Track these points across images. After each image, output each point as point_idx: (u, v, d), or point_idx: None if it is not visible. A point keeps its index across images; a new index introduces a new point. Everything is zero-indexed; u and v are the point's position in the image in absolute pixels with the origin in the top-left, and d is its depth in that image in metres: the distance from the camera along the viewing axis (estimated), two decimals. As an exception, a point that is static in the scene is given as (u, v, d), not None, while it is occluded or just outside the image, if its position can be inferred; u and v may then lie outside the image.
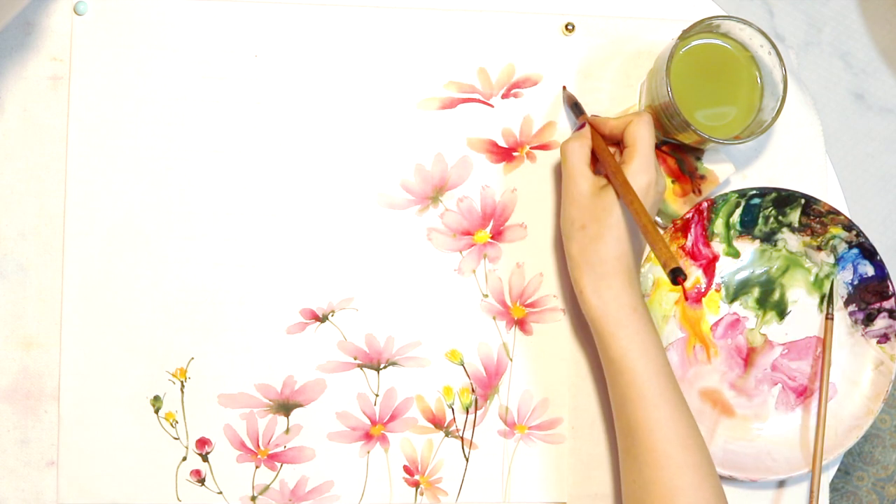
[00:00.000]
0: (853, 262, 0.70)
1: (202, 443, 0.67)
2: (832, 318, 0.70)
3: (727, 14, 0.68)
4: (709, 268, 0.70)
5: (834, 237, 0.69)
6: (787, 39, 0.78)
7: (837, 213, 0.69)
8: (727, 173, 0.69)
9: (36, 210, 0.67)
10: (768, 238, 0.70)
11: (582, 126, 0.66)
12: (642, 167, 0.62)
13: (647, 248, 0.68)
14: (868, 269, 0.70)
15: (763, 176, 0.71)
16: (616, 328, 0.61)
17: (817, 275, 0.71)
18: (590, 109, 0.70)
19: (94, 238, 0.67)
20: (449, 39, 0.70)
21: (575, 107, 0.69)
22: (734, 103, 0.67)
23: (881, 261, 0.69)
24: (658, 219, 0.69)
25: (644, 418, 0.59)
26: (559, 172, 0.69)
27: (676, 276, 0.54)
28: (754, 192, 0.68)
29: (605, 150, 0.64)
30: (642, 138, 0.62)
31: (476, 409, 0.69)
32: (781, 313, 0.71)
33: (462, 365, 0.69)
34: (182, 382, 0.67)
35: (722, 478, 0.69)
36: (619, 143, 0.65)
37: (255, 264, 0.68)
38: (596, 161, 0.65)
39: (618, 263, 0.61)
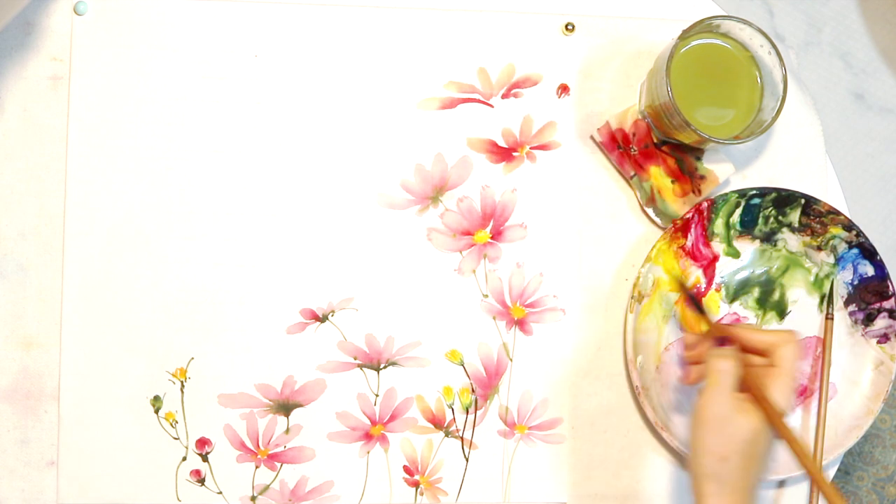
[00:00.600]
0: (853, 262, 0.70)
1: (202, 443, 0.67)
2: (832, 318, 0.70)
3: (727, 14, 0.68)
4: (709, 268, 0.70)
5: (834, 237, 0.69)
6: (787, 39, 0.78)
7: (837, 213, 0.69)
8: (727, 173, 0.69)
9: (36, 210, 0.67)
10: (768, 238, 0.70)
11: (726, 341, 0.60)
12: (788, 390, 0.58)
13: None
14: (868, 269, 0.70)
15: (763, 176, 0.71)
16: None
17: (817, 275, 0.71)
18: (590, 109, 0.70)
19: (94, 238, 0.67)
20: (449, 39, 0.70)
21: (692, 301, 0.65)
22: (734, 103, 0.67)
23: (881, 261, 0.69)
24: (658, 219, 0.69)
25: None
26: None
27: None
28: (754, 192, 0.68)
29: (754, 376, 0.59)
30: (794, 361, 0.59)
31: (476, 409, 0.69)
32: (781, 313, 0.71)
33: (462, 365, 0.69)
34: (182, 382, 0.67)
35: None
36: (753, 351, 0.61)
37: (255, 264, 0.68)
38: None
39: (753, 491, 0.58)
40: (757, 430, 0.57)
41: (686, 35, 0.65)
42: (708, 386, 0.58)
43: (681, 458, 0.69)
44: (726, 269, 0.70)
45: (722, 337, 0.61)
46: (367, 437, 0.68)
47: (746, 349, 0.61)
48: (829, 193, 0.72)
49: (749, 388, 0.59)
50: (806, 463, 0.57)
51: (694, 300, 0.64)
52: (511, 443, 0.69)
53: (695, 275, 0.70)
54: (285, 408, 0.68)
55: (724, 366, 0.58)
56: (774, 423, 0.57)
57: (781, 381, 0.58)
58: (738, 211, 0.69)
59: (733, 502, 0.57)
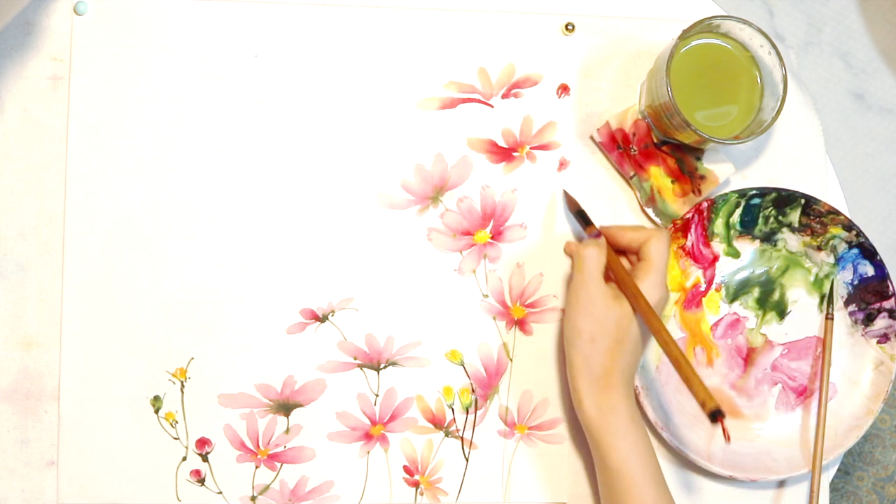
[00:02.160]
0: (853, 262, 0.70)
1: (202, 443, 0.67)
2: (832, 318, 0.70)
3: (727, 14, 0.68)
4: (709, 268, 0.70)
5: (834, 237, 0.69)
6: (787, 39, 0.78)
7: (837, 213, 0.69)
8: (727, 173, 0.69)
9: (36, 210, 0.67)
10: (768, 238, 0.70)
11: (597, 235, 0.65)
12: (658, 284, 0.62)
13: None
14: (868, 269, 0.70)
15: (763, 176, 0.71)
16: (615, 438, 0.61)
17: (817, 275, 0.71)
18: (590, 109, 0.70)
19: (94, 238, 0.67)
20: (449, 39, 0.70)
21: (579, 215, 0.68)
22: (734, 103, 0.67)
23: (881, 261, 0.69)
24: (658, 219, 0.69)
25: None
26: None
27: (716, 416, 0.56)
28: (754, 192, 0.68)
29: (620, 265, 0.63)
30: (661, 255, 0.62)
31: (476, 409, 0.69)
32: (781, 313, 0.71)
33: (462, 365, 0.69)
34: (182, 382, 0.67)
35: (722, 478, 0.69)
36: (628, 252, 0.65)
37: (255, 264, 0.68)
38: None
39: (621, 376, 0.61)
40: (623, 316, 0.61)
41: (686, 35, 0.65)
42: (575, 271, 0.63)
43: (680, 458, 0.69)
44: (726, 269, 0.70)
45: (595, 233, 0.65)
46: (367, 437, 0.68)
47: (620, 249, 0.65)
48: (829, 193, 0.72)
49: (618, 279, 0.63)
50: (672, 352, 0.59)
51: (581, 212, 0.67)
52: (511, 443, 0.69)
53: (695, 275, 0.70)
54: (285, 408, 0.68)
55: (589, 251, 0.62)
56: (640, 310, 0.61)
57: (651, 274, 0.62)
58: (738, 211, 0.69)
59: (601, 383, 0.61)
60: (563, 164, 0.70)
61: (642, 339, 0.62)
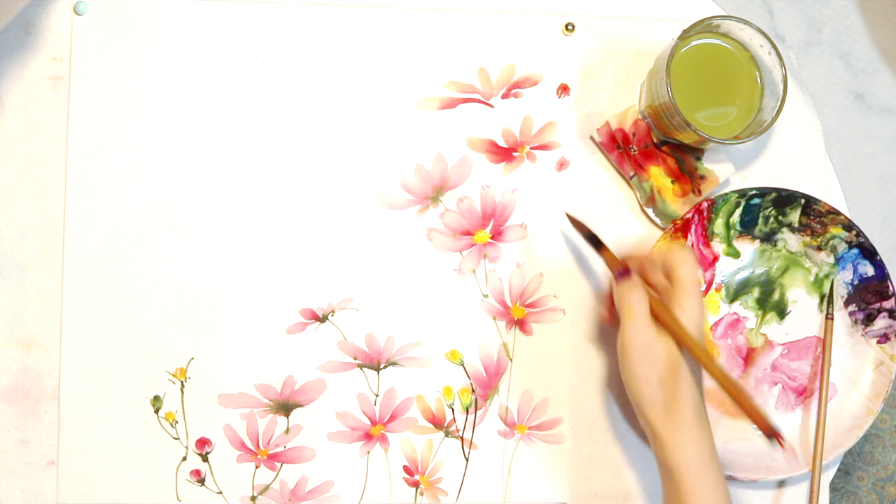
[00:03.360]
0: (853, 262, 0.70)
1: (202, 443, 0.67)
2: (832, 318, 0.70)
3: (727, 14, 0.68)
4: (709, 268, 0.70)
5: (834, 237, 0.69)
6: (787, 39, 0.78)
7: (837, 213, 0.69)
8: (727, 173, 0.69)
9: (36, 210, 0.67)
10: (768, 238, 0.70)
11: (625, 271, 0.62)
12: (696, 305, 0.60)
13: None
14: (868, 269, 0.70)
15: (763, 176, 0.71)
16: (696, 479, 0.59)
17: (817, 275, 0.71)
18: (590, 109, 0.70)
19: (94, 238, 0.67)
20: (449, 39, 0.70)
21: (591, 239, 0.66)
22: (734, 103, 0.67)
23: (881, 261, 0.69)
24: (657, 219, 0.69)
25: None
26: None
27: (772, 436, 0.56)
28: (754, 192, 0.68)
29: (656, 300, 0.62)
30: (692, 275, 0.61)
31: (476, 409, 0.69)
32: (781, 313, 0.71)
33: (462, 365, 0.69)
34: (182, 382, 0.67)
35: (722, 478, 0.69)
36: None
37: (255, 264, 0.68)
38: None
39: (696, 413, 0.60)
40: (671, 351, 0.60)
41: (686, 35, 0.65)
42: (624, 319, 0.61)
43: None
44: (726, 269, 0.70)
45: (622, 269, 0.62)
46: (367, 437, 0.68)
47: (646, 278, 0.63)
48: (829, 193, 0.72)
49: (655, 315, 0.61)
50: (723, 382, 0.59)
51: (592, 236, 0.66)
52: (511, 443, 0.69)
53: (695, 275, 0.70)
54: (285, 408, 0.68)
55: (634, 297, 0.61)
56: (682, 342, 0.60)
57: (688, 298, 0.60)
58: (738, 211, 0.69)
59: (678, 420, 0.59)
60: (563, 164, 0.70)
61: (695, 367, 0.61)
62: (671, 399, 0.59)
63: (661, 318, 0.61)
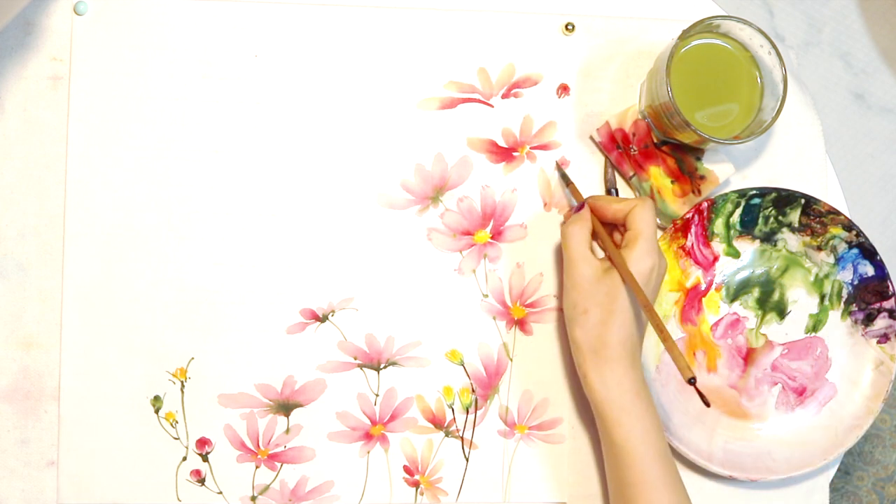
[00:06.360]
0: (853, 262, 0.70)
1: (202, 443, 0.67)
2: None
3: (727, 14, 0.68)
4: (709, 268, 0.70)
5: (834, 237, 0.69)
6: (787, 39, 0.78)
7: (837, 213, 0.69)
8: (727, 173, 0.69)
9: (36, 210, 0.67)
10: (768, 238, 0.70)
11: (581, 207, 0.65)
12: (646, 252, 0.61)
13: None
14: (868, 269, 0.70)
15: (763, 176, 0.71)
16: (619, 413, 0.61)
17: (817, 275, 0.71)
18: (590, 109, 0.70)
19: (94, 238, 0.67)
20: (449, 39, 0.70)
21: (563, 178, 0.69)
22: (734, 103, 0.67)
23: (881, 261, 0.69)
24: (657, 220, 0.69)
25: (645, 501, 0.60)
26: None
27: (691, 382, 0.56)
28: (754, 192, 0.68)
29: (606, 236, 0.64)
30: (646, 223, 0.62)
31: (476, 409, 0.69)
32: (781, 313, 0.71)
33: (462, 365, 0.69)
34: (182, 382, 0.67)
35: (722, 478, 0.69)
36: (618, 225, 0.65)
37: (255, 264, 0.68)
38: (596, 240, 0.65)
39: (622, 348, 0.61)
40: (613, 288, 0.61)
41: (686, 35, 0.65)
42: (564, 249, 0.64)
43: (680, 458, 0.69)
44: (726, 269, 0.70)
45: (580, 206, 0.65)
46: (367, 437, 0.68)
47: (607, 221, 0.64)
48: (829, 193, 0.72)
49: (605, 252, 0.63)
50: (655, 320, 0.59)
51: (562, 174, 0.69)
52: (511, 443, 0.69)
53: (695, 275, 0.70)
54: (285, 408, 0.68)
55: (571, 229, 0.63)
56: (627, 282, 0.61)
57: (638, 243, 0.61)
58: (738, 211, 0.69)
59: (601, 355, 0.61)
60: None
61: (639, 312, 0.62)
62: (601, 335, 0.61)
63: (607, 252, 0.63)
